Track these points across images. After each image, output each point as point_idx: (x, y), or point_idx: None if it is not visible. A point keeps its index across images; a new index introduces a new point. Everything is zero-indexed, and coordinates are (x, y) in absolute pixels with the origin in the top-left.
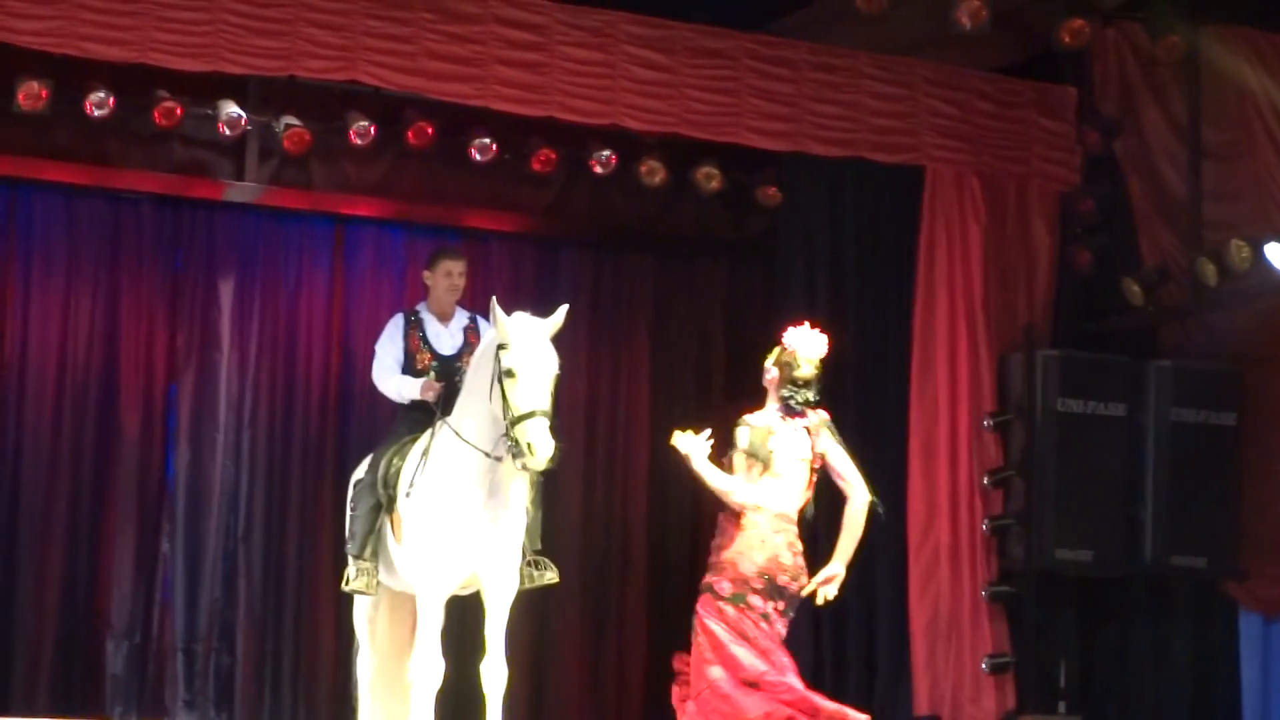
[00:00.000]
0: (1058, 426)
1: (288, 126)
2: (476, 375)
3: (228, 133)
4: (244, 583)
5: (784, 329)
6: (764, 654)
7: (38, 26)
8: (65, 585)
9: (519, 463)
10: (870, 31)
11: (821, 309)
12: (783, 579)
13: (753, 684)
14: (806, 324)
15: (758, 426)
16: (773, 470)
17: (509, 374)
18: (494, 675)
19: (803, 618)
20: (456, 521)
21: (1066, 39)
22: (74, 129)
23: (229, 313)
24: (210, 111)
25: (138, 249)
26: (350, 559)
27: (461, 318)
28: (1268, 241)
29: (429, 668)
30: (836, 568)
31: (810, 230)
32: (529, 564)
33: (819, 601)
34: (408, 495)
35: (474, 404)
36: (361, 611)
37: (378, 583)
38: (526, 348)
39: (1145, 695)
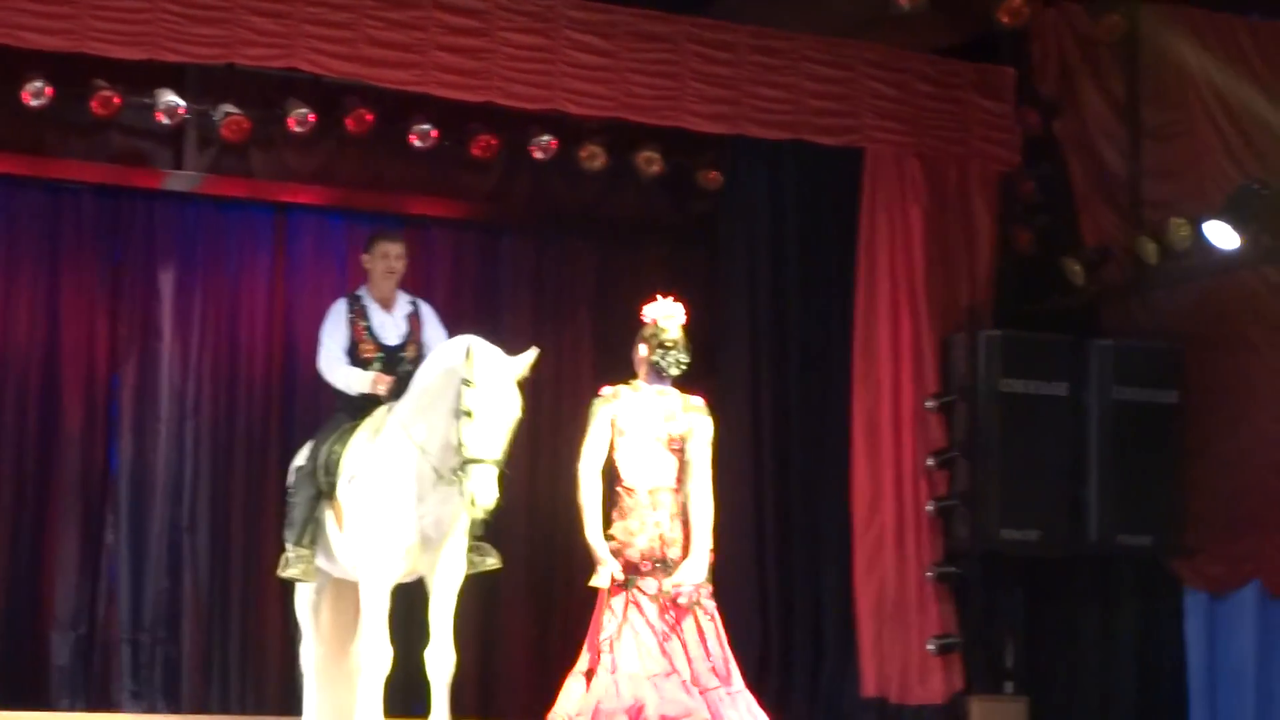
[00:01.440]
0: (1001, 406)
1: (226, 115)
2: (437, 394)
3: (166, 121)
4: (189, 573)
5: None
6: (650, 650)
7: None
8: (9, 577)
9: (462, 501)
10: (811, 14)
11: (763, 291)
12: (671, 552)
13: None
14: (660, 296)
15: (601, 395)
16: (628, 441)
17: (467, 414)
18: (440, 662)
19: (749, 601)
20: (396, 511)
21: (1005, 19)
22: (11, 119)
23: (170, 302)
24: (148, 100)
25: (77, 239)
26: (288, 545)
27: (404, 304)
28: (1207, 220)
29: (376, 655)
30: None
31: (752, 213)
32: (471, 549)
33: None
34: (350, 482)
35: (429, 417)
36: (304, 600)
37: (315, 569)
38: (490, 390)
39: (1092, 674)
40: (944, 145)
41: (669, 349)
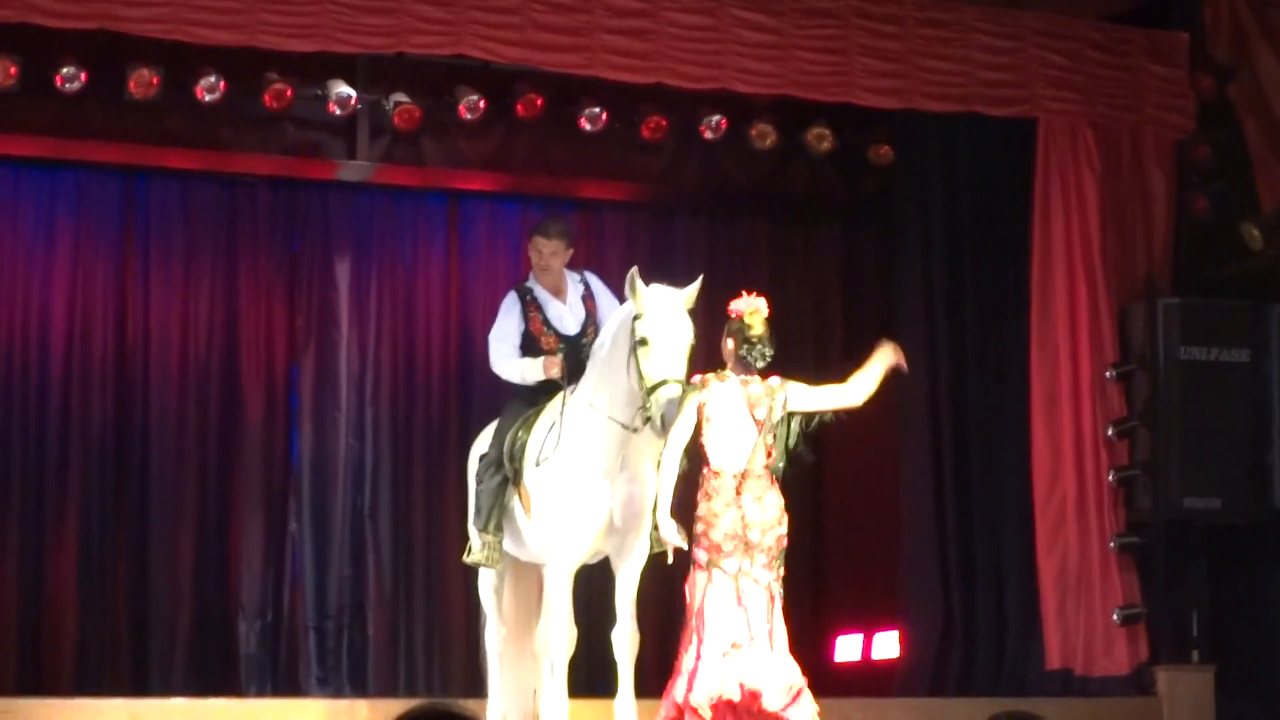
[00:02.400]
0: (1181, 374)
1: (398, 104)
2: (612, 348)
3: (338, 112)
4: (372, 559)
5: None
6: (735, 622)
7: (147, 14)
8: (197, 567)
9: (653, 430)
10: None
11: (937, 265)
12: (752, 534)
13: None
14: (745, 293)
15: (691, 383)
16: (714, 427)
17: (643, 343)
18: (625, 642)
19: (930, 572)
20: (587, 492)
21: None
22: (186, 115)
23: (346, 292)
24: (320, 92)
25: (254, 232)
26: (475, 532)
27: (575, 288)
28: None
29: (560, 637)
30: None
31: (924, 187)
32: (655, 529)
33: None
34: (537, 466)
35: (609, 376)
36: (486, 583)
37: (501, 555)
38: (661, 317)
39: (1279, 641)
40: (1117, 113)
41: (754, 344)
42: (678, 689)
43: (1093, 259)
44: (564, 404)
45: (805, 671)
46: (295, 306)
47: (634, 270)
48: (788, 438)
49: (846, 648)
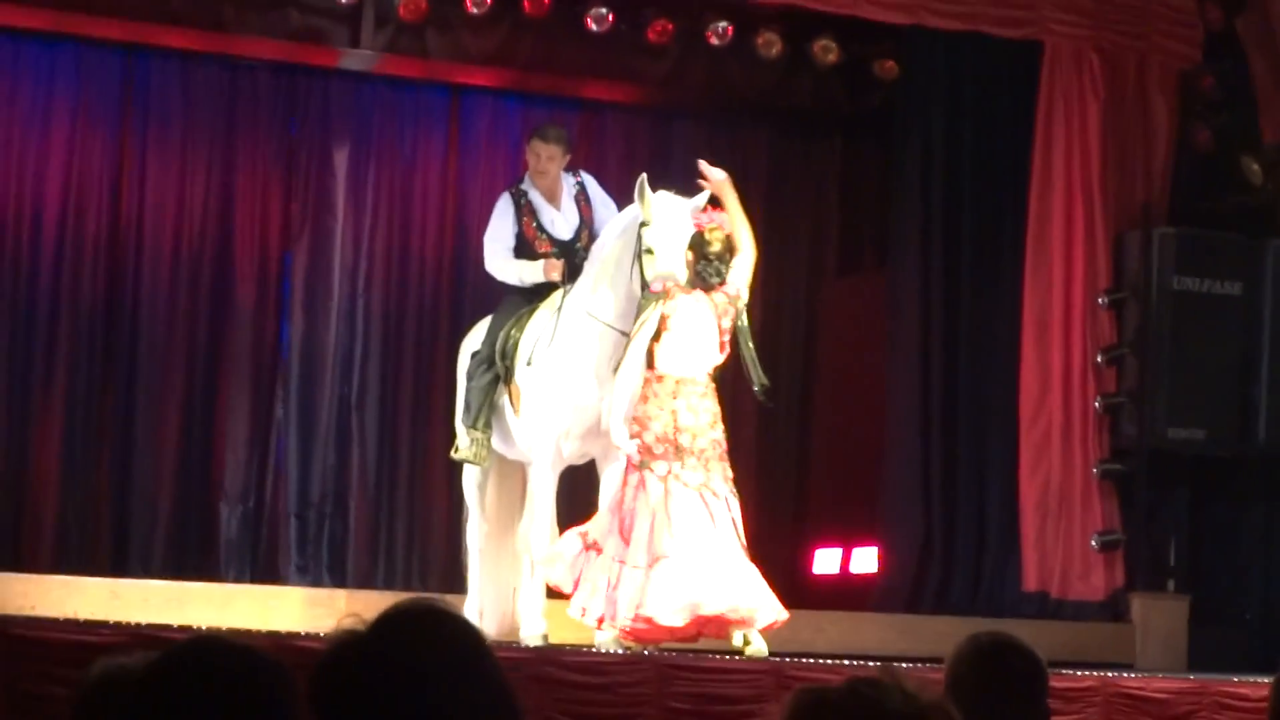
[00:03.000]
0: (1173, 304)
1: None
2: (615, 251)
3: (343, 0)
4: (357, 450)
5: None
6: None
7: None
8: (181, 451)
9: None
10: None
11: (937, 183)
12: (683, 439)
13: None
14: (710, 207)
15: (653, 294)
16: (672, 335)
17: (649, 251)
18: None
19: (912, 490)
20: (577, 394)
21: None
22: None
23: (344, 181)
24: None
25: (253, 116)
26: (463, 429)
27: (569, 188)
28: None
29: (542, 537)
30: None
31: (927, 105)
32: None
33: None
34: (529, 364)
35: (609, 280)
36: (471, 479)
37: (488, 452)
38: (668, 226)
39: (1255, 574)
40: (1124, 40)
41: (710, 260)
42: (625, 599)
43: (1091, 185)
44: (561, 305)
45: (779, 584)
46: (292, 193)
47: (643, 177)
48: (756, 354)
49: (825, 561)
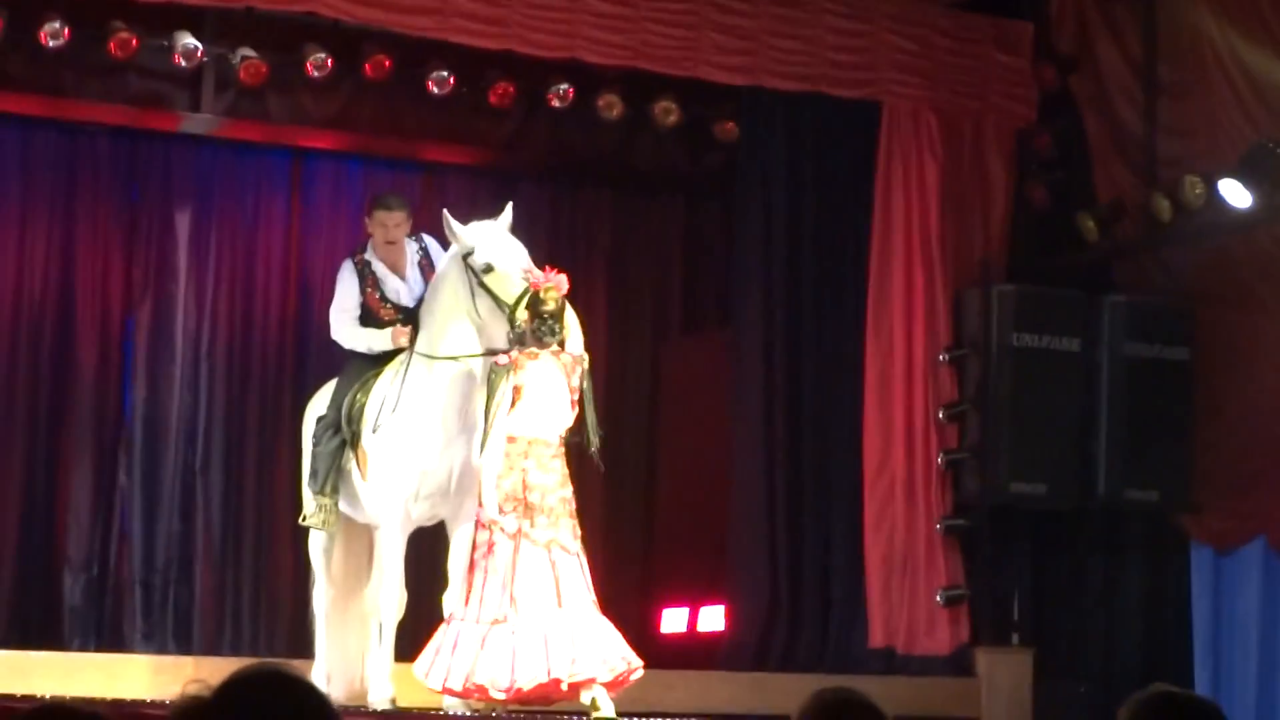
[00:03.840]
0: (1013, 361)
1: (244, 58)
2: (447, 291)
3: (184, 64)
4: (202, 516)
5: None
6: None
7: None
8: (23, 518)
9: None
10: None
11: (778, 244)
12: (532, 496)
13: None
14: (546, 268)
15: (498, 365)
16: (525, 402)
17: (488, 269)
18: None
19: (758, 550)
20: (425, 455)
21: None
22: (28, 60)
23: (185, 245)
24: (166, 43)
25: (94, 181)
26: (310, 494)
27: (413, 255)
28: (1222, 178)
29: (391, 600)
30: None
31: (768, 165)
32: None
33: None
34: (374, 431)
35: (448, 319)
36: (317, 544)
37: (336, 518)
38: (495, 243)
39: (1097, 627)
40: (961, 100)
41: (545, 319)
42: (460, 665)
43: (930, 244)
44: (407, 365)
45: (630, 641)
46: (133, 258)
47: (445, 212)
48: (595, 413)
49: (673, 620)
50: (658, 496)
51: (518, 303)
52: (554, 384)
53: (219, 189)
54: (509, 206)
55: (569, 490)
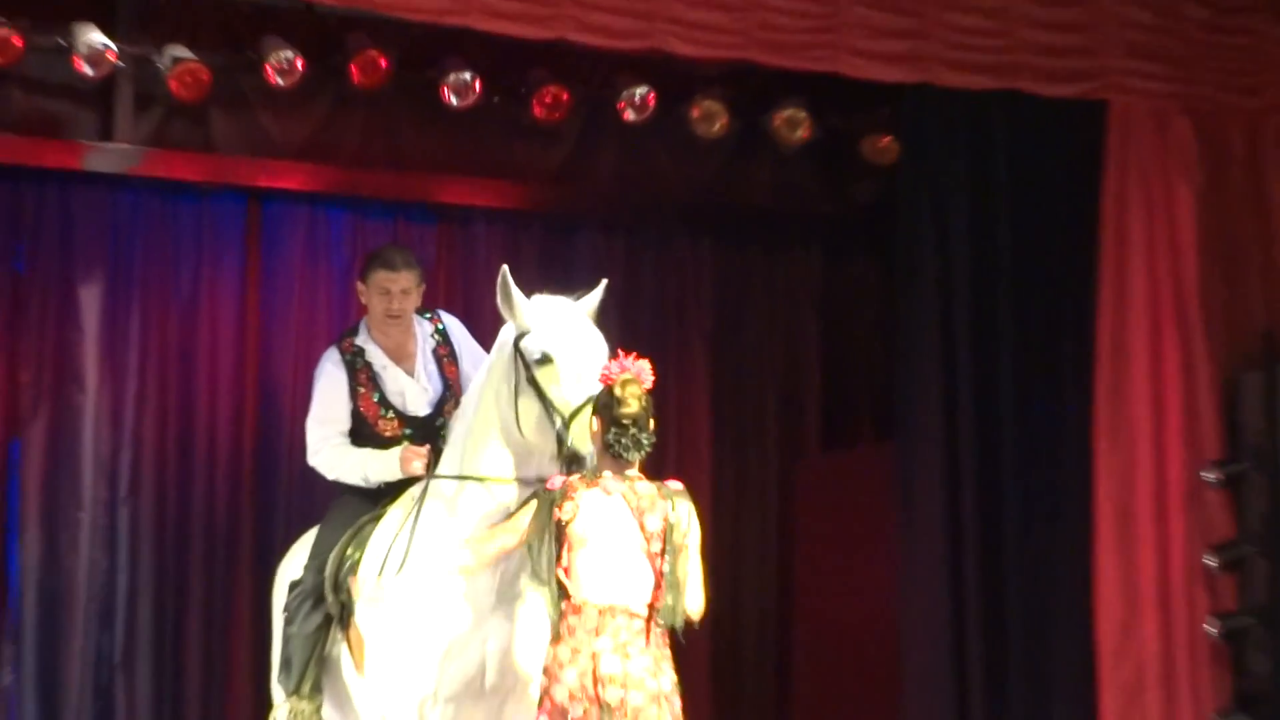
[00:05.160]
0: None
1: (176, 61)
2: (486, 393)
3: (89, 72)
4: None
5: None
6: None
7: None
8: None
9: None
10: None
11: (960, 309)
12: (608, 693)
13: None
14: (621, 353)
15: (547, 490)
16: (586, 549)
17: (544, 360)
18: None
19: None
20: (449, 636)
21: None
22: None
23: (95, 333)
24: (63, 41)
25: None
26: (281, 694)
27: (425, 339)
28: None
29: None
30: None
31: (941, 198)
32: None
33: None
34: (374, 602)
35: (486, 430)
36: None
37: None
38: (561, 326)
39: None
40: (1227, 97)
41: (625, 427)
42: None
43: (1186, 305)
44: (420, 503)
45: None
46: (19, 355)
47: (504, 270)
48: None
49: None
50: (794, 686)
51: (574, 415)
52: (621, 524)
53: (143, 251)
54: (602, 284)
55: (670, 681)
